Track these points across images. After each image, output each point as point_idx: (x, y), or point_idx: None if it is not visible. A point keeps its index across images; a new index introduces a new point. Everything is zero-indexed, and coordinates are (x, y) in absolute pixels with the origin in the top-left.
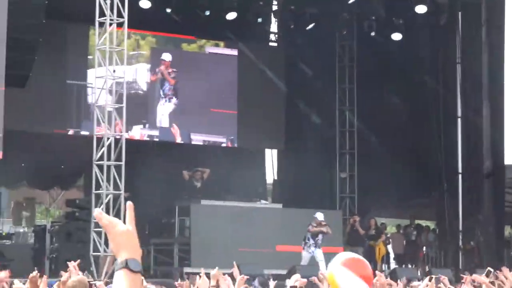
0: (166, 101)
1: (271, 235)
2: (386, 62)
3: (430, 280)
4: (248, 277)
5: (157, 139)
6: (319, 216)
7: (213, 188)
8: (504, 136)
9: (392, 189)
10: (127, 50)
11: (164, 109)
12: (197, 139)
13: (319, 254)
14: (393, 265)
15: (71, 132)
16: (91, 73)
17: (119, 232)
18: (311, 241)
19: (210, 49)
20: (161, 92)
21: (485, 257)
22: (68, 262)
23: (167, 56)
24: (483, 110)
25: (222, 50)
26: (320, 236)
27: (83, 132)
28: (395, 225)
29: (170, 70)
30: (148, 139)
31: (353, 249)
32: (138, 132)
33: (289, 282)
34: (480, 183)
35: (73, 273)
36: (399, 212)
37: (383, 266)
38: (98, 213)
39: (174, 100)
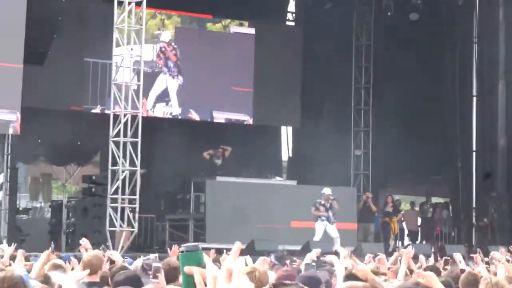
0: (173, 77)
1: (285, 211)
2: (403, 41)
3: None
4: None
5: (176, 116)
6: (327, 191)
7: (228, 165)
8: None
9: (406, 167)
10: (151, 30)
11: (172, 87)
12: (219, 117)
13: (333, 231)
14: (406, 241)
15: (93, 109)
16: (110, 52)
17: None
18: (324, 214)
19: (235, 28)
20: (167, 71)
21: (498, 234)
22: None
23: (165, 37)
24: (498, 88)
25: (246, 29)
26: (330, 213)
27: (101, 110)
28: (409, 202)
29: (171, 48)
30: (170, 116)
31: (365, 225)
32: (161, 110)
33: (309, 256)
34: (495, 161)
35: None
36: (413, 189)
37: (397, 242)
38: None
39: (180, 78)
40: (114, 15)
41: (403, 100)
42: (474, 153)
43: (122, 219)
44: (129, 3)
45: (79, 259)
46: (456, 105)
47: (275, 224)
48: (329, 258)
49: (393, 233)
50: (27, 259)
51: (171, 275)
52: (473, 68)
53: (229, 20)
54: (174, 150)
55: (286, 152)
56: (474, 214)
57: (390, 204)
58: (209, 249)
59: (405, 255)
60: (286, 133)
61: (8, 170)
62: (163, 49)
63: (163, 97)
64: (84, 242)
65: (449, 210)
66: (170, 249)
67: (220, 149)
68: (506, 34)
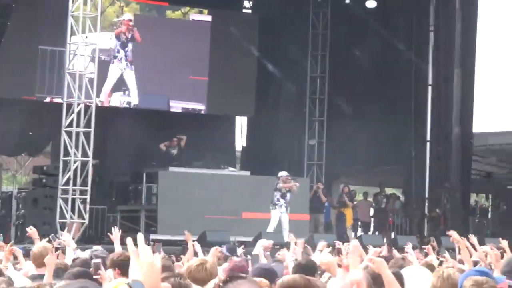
0: (128, 67)
1: (238, 202)
2: (359, 30)
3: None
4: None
5: (134, 106)
6: (283, 173)
7: (180, 155)
8: (473, 104)
9: (360, 157)
10: (110, 17)
11: (128, 77)
12: (176, 106)
13: (285, 220)
14: (359, 232)
15: (45, 98)
16: (65, 39)
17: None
18: (281, 201)
19: (194, 16)
20: (123, 54)
21: (450, 225)
22: (28, 229)
23: (127, 15)
24: (454, 78)
25: (205, 17)
26: (288, 196)
27: (51, 99)
28: (362, 192)
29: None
30: (127, 106)
31: (315, 216)
32: (118, 99)
33: (256, 248)
34: (448, 151)
35: (35, 239)
36: (366, 179)
37: (352, 234)
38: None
39: (132, 67)
40: (69, 2)
41: (358, 90)
42: (428, 143)
43: (73, 210)
44: None
45: (28, 251)
46: (411, 94)
47: (227, 215)
48: (281, 255)
49: (348, 223)
50: None
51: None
52: (429, 57)
53: (188, 8)
54: (128, 141)
55: (240, 142)
56: (426, 204)
57: (345, 194)
58: (160, 240)
59: (353, 247)
60: (241, 123)
61: None
62: (130, 25)
63: (121, 86)
64: (32, 231)
65: (401, 201)
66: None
67: (175, 138)
68: (462, 23)
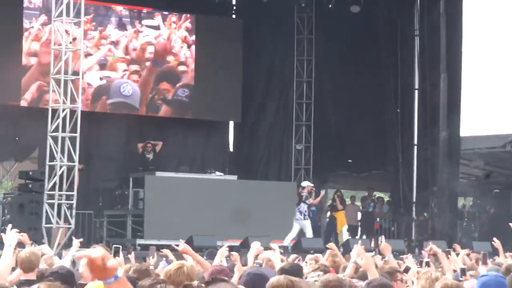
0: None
1: (225, 206)
2: (344, 34)
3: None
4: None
5: (115, 111)
6: (307, 183)
7: (168, 160)
8: (460, 108)
9: (347, 161)
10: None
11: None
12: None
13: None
14: (346, 236)
15: (25, 104)
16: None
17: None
18: (304, 213)
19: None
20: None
21: (438, 229)
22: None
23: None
24: (440, 82)
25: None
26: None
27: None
28: (350, 196)
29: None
30: (109, 111)
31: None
32: (103, 102)
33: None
34: (436, 155)
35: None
36: (354, 184)
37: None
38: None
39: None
40: (52, 9)
41: (345, 94)
42: (415, 147)
43: (59, 215)
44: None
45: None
46: (398, 99)
47: (214, 220)
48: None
49: (339, 227)
50: None
51: None
52: (415, 61)
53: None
54: (113, 145)
55: (227, 147)
56: (414, 208)
57: (337, 197)
58: (147, 245)
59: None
60: (228, 128)
61: None
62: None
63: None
64: (24, 237)
65: (389, 205)
66: (109, 245)
67: (149, 144)
68: (448, 27)
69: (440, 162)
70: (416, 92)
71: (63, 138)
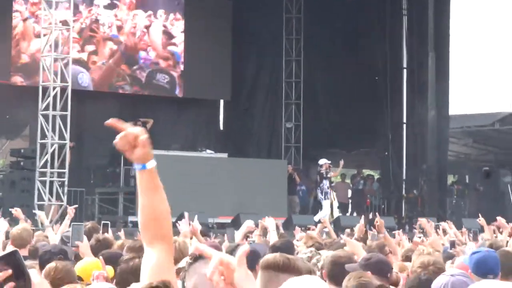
0: None
1: (215, 184)
2: (332, 14)
3: None
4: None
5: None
6: (325, 160)
7: (159, 138)
8: (448, 87)
9: (337, 139)
10: None
11: None
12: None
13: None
14: (336, 213)
15: (17, 82)
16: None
17: None
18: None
19: None
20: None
21: (427, 206)
22: (13, 210)
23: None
24: (428, 61)
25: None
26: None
27: (27, 83)
28: (340, 174)
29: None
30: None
31: (290, 197)
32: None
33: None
34: (425, 134)
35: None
36: (344, 161)
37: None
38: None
39: None
40: None
41: (334, 73)
42: (404, 125)
43: (51, 192)
44: None
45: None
46: (386, 78)
47: (204, 197)
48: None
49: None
50: None
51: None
52: (403, 41)
53: None
54: (102, 123)
55: (217, 125)
56: (404, 186)
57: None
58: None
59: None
60: (218, 106)
61: None
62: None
63: None
64: (18, 211)
65: (379, 182)
66: (99, 222)
67: (139, 121)
68: (436, 6)
69: (429, 140)
70: (405, 71)
71: (54, 116)
